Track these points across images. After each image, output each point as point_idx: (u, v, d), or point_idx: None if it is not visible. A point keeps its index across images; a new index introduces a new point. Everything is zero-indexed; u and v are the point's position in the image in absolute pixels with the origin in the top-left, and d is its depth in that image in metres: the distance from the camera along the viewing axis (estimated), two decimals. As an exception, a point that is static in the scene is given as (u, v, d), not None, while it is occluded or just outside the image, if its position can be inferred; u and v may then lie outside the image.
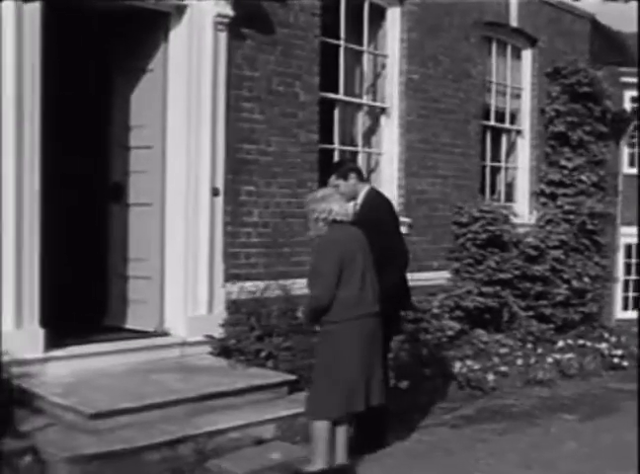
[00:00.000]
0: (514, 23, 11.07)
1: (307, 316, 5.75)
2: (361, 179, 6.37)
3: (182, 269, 7.45)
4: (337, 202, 5.57)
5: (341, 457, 5.57)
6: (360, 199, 6.27)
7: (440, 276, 9.90)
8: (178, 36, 7.47)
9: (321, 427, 5.43)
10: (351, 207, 5.94)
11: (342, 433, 5.57)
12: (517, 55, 11.60)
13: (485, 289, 9.77)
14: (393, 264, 6.05)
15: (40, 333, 6.44)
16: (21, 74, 6.28)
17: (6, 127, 6.22)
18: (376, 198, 6.33)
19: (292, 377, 6.83)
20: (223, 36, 7.53)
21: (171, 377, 6.54)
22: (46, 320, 6.55)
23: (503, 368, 8.75)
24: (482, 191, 10.86)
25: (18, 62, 6.26)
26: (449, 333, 9.07)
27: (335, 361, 5.41)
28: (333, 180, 6.29)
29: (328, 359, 5.46)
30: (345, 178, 6.23)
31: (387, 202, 6.45)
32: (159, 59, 7.54)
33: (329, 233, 5.52)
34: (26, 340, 6.30)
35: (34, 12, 6.35)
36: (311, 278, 5.55)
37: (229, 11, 7.47)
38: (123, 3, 7.23)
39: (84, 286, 8.34)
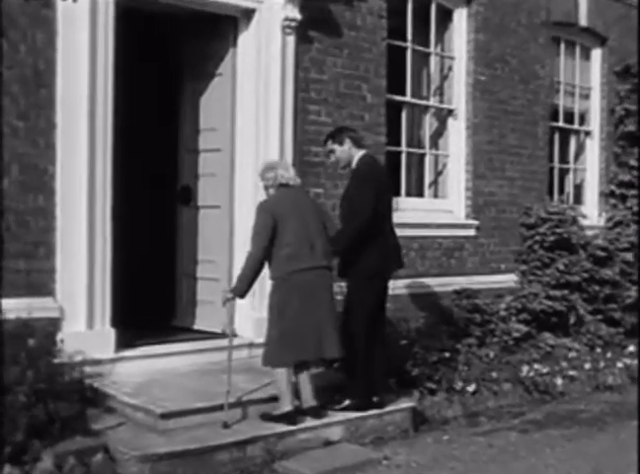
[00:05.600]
0: (583, 22, 10.91)
1: (244, 272, 6.02)
2: (358, 145, 6.55)
3: (250, 270, 7.50)
4: (282, 168, 6.15)
5: (308, 401, 6.07)
6: (354, 164, 6.51)
7: (508, 279, 9.81)
8: (246, 40, 7.55)
9: (279, 373, 5.95)
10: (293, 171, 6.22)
11: (304, 378, 6.07)
12: (586, 55, 11.43)
13: (552, 293, 9.63)
14: (351, 222, 6.24)
15: (112, 333, 6.57)
16: (94, 74, 6.41)
17: (80, 127, 6.36)
18: (365, 162, 6.49)
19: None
20: (291, 39, 7.58)
21: (240, 378, 6.57)
22: (117, 320, 6.67)
23: (571, 373, 8.61)
24: (550, 193, 10.73)
25: (91, 63, 6.40)
26: (516, 335, 8.98)
27: (279, 313, 5.94)
28: (329, 144, 6.57)
29: (273, 312, 6.00)
30: (340, 143, 6.48)
31: (374, 166, 6.60)
32: (228, 63, 7.62)
33: (269, 197, 6.09)
34: (98, 340, 6.44)
35: (107, 13, 6.49)
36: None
37: (297, 14, 7.52)
38: (192, 8, 7.32)
39: (153, 287, 8.47)
